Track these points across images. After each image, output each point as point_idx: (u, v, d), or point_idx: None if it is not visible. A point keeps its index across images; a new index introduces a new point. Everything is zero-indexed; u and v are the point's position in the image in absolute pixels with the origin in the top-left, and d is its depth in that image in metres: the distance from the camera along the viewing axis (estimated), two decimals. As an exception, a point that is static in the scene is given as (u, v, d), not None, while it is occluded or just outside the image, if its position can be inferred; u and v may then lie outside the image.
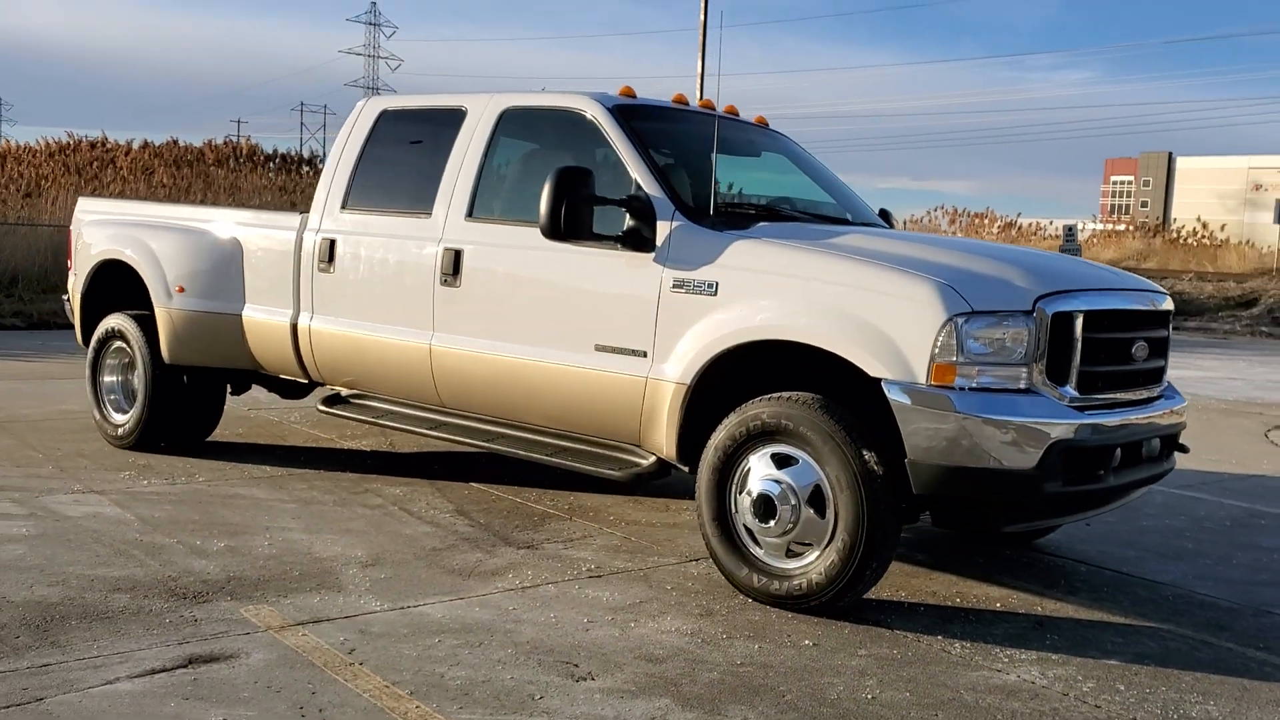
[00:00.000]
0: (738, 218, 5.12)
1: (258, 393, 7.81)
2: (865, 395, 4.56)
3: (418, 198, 5.98)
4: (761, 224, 5.11)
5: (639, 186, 5.10)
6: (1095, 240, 46.41)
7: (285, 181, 21.86)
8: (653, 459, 5.12)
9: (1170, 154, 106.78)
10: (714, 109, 6.00)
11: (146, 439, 7.05)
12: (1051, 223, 50.38)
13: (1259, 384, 14.75)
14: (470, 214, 5.69)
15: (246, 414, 8.59)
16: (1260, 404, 12.60)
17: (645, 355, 4.98)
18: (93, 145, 23.32)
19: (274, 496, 6.13)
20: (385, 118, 6.32)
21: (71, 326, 7.83)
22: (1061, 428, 4.27)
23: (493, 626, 4.28)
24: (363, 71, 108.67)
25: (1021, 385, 4.30)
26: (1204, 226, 46.50)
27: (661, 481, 5.30)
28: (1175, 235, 47.09)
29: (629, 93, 5.66)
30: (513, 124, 5.78)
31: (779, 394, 4.61)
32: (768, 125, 6.39)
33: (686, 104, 5.90)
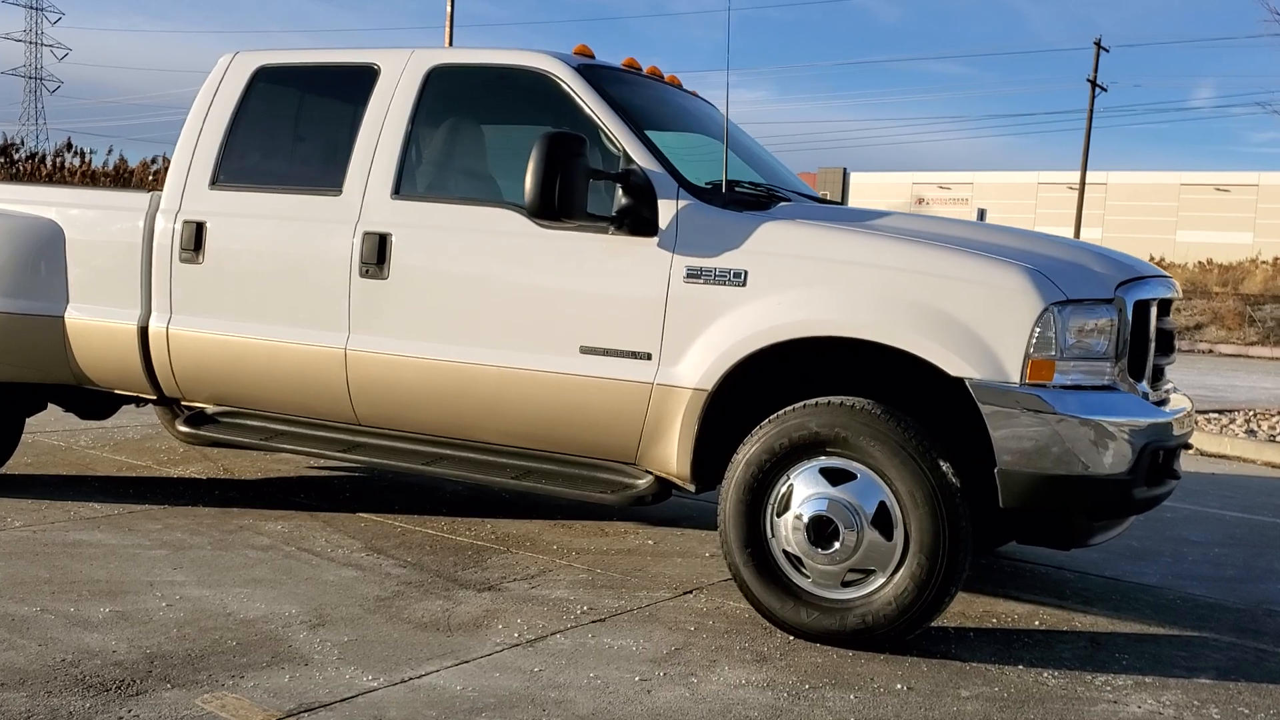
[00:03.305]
0: (746, 198, 4.46)
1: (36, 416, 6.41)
2: (919, 399, 4.05)
3: (320, 172, 4.96)
4: (782, 204, 4.48)
5: (631, 159, 4.35)
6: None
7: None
8: (650, 478, 4.39)
9: (845, 169, 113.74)
10: (661, 76, 5.32)
11: (-79, 475, 5.58)
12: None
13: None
14: (397, 192, 4.74)
15: (23, 439, 7.07)
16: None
17: (650, 357, 4.24)
18: None
19: (130, 542, 4.91)
20: (264, 77, 5.21)
21: None
22: (1152, 427, 3.89)
23: (535, 697, 3.43)
24: (24, 59, 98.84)
25: (1105, 382, 3.90)
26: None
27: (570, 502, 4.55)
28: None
29: (586, 51, 4.88)
30: (443, 86, 4.85)
31: (825, 400, 4.00)
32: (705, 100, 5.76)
33: (640, 70, 5.17)
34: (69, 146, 21.92)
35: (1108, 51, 55.54)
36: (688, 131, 5.10)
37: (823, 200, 5.12)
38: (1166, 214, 73.22)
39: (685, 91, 5.46)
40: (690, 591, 4.61)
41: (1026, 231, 4.58)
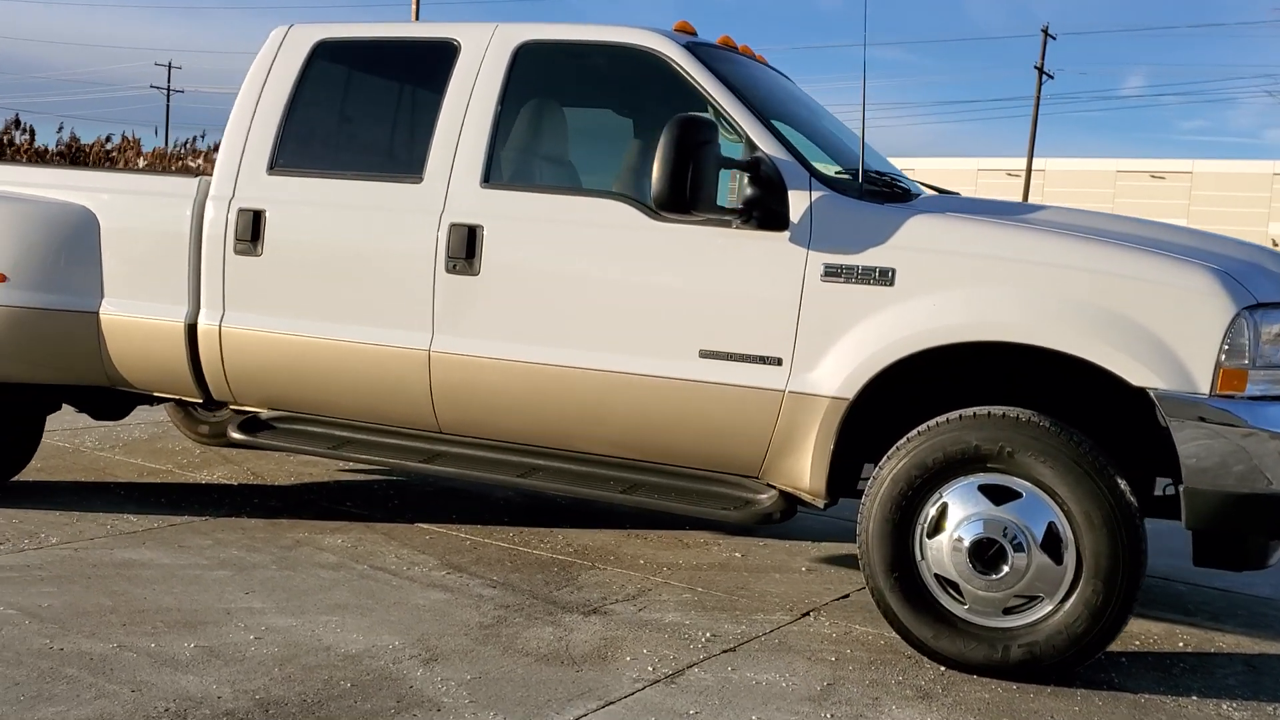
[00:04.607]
0: (882, 189, 4.12)
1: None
2: (1075, 409, 3.76)
3: (395, 158, 4.57)
4: (926, 196, 4.16)
5: (755, 147, 4.00)
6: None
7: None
8: (774, 494, 4.05)
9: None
10: (753, 54, 4.96)
11: (-67, 484, 5.09)
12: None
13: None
14: (487, 180, 4.34)
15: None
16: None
17: (780, 363, 3.90)
18: None
19: (185, 561, 4.48)
20: (324, 52, 4.77)
21: None
22: (1339, 443, 3.62)
23: (706, 747, 3.09)
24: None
25: (1286, 392, 3.62)
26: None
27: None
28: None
29: (688, 29, 4.50)
30: (533, 64, 4.45)
31: (985, 410, 3.68)
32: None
33: (737, 48, 4.80)
34: (17, 123, 21.00)
35: (1055, 39, 55.92)
36: (796, 118, 4.73)
37: (946, 193, 4.80)
38: (1103, 201, 74.06)
39: (774, 70, 5.10)
40: (808, 614, 4.28)
41: (1192, 229, 4.30)
